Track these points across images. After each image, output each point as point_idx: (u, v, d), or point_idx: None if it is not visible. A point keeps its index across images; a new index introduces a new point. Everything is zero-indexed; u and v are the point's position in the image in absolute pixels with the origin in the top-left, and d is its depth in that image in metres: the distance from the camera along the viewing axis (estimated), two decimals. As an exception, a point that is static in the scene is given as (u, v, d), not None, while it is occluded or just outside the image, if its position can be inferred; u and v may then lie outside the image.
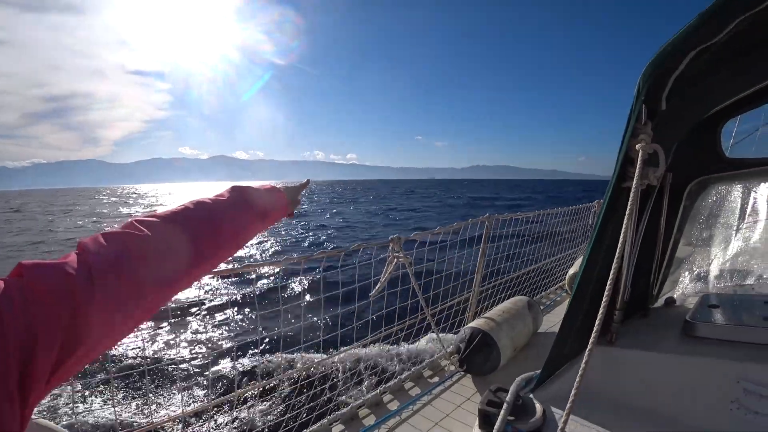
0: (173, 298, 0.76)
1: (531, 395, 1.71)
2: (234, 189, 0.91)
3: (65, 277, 0.53)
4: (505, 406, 1.61)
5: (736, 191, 2.23)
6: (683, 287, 2.35)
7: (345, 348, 2.99)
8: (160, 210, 0.75)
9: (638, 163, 1.27)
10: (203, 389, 5.91)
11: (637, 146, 1.29)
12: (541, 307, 4.40)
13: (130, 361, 6.81)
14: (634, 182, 1.25)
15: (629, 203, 1.23)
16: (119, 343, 0.68)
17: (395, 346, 3.79)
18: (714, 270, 2.34)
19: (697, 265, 2.41)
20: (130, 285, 0.60)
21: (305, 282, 11.44)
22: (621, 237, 1.22)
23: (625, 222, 1.24)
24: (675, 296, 2.23)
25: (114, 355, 6.89)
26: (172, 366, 6.72)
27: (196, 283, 0.86)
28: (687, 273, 2.40)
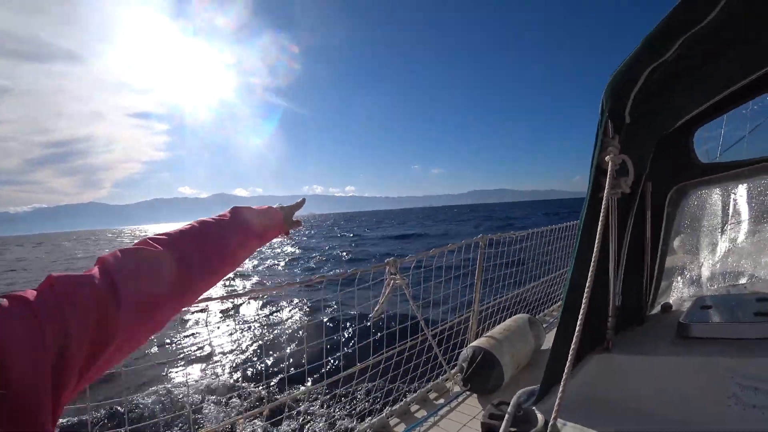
0: (179, 314, 0.83)
1: (533, 407, 1.72)
2: (234, 210, 1.00)
3: (92, 286, 0.59)
4: (506, 417, 1.62)
5: (716, 195, 2.31)
6: (678, 293, 2.39)
7: (347, 371, 2.99)
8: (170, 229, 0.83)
9: (608, 173, 1.36)
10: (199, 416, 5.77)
11: (606, 158, 1.38)
12: (544, 325, 4.38)
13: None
14: (606, 190, 1.33)
15: (602, 209, 1.31)
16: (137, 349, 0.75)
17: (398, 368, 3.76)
18: (706, 273, 2.38)
19: (689, 270, 2.45)
20: (147, 294, 0.67)
21: (305, 306, 11.35)
22: (596, 243, 1.28)
23: (599, 228, 1.30)
24: (671, 302, 2.26)
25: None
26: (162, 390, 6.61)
27: (198, 302, 0.92)
28: (680, 279, 2.44)
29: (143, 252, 0.72)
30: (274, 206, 1.16)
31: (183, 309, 0.80)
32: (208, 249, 0.84)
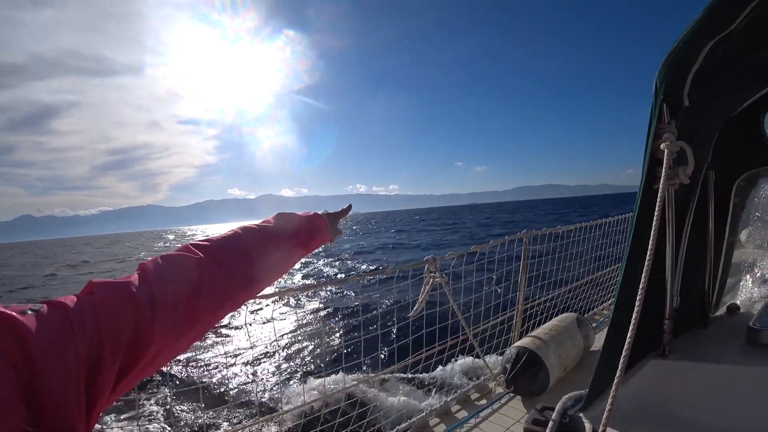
0: (222, 320, 0.79)
1: (580, 414, 1.63)
2: (279, 216, 0.95)
3: (130, 295, 0.59)
4: (550, 424, 1.55)
5: None
6: (747, 292, 2.19)
7: (386, 370, 2.98)
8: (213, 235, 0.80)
9: (665, 163, 1.23)
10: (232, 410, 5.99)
11: (662, 146, 1.26)
12: (594, 324, 4.16)
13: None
14: (662, 182, 1.22)
15: (658, 203, 1.20)
16: (176, 358, 0.73)
17: (438, 367, 3.70)
18: None
19: (760, 267, 2.24)
20: (185, 303, 0.66)
21: (343, 304, 11.47)
22: (651, 239, 1.17)
23: (655, 223, 1.19)
24: (738, 302, 2.08)
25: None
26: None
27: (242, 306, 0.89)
28: (749, 277, 2.24)
29: (183, 259, 0.70)
30: (319, 212, 1.10)
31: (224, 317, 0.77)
32: (250, 257, 0.80)
